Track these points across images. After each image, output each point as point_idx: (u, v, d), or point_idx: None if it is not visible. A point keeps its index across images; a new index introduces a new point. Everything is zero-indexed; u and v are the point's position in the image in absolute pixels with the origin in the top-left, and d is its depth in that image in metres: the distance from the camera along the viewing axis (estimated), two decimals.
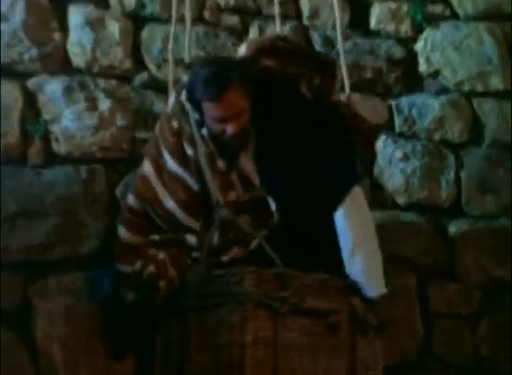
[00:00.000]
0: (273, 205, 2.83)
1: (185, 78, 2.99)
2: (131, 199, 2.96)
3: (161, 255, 2.83)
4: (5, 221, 3.07)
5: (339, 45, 3.23)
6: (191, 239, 2.86)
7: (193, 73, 2.89)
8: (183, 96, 2.93)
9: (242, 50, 3.07)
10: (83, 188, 3.23)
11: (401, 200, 3.71)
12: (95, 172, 3.27)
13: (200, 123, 2.88)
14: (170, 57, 3.21)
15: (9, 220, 3.08)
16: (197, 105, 2.85)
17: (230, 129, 2.81)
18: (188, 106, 2.89)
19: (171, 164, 2.90)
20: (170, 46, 3.20)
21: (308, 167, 2.87)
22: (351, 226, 2.83)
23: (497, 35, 3.95)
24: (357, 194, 2.90)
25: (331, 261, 2.81)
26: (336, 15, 3.31)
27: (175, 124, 2.92)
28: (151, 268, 2.80)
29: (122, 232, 2.94)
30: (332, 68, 3.06)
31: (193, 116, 2.89)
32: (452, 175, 3.79)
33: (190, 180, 2.87)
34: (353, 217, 2.84)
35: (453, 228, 3.76)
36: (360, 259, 2.81)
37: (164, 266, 2.80)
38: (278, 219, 2.82)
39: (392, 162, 3.72)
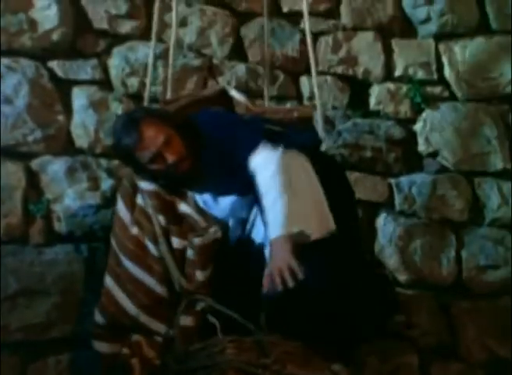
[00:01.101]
0: None
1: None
2: (97, 316, 2.89)
3: (136, 337, 2.82)
4: (6, 300, 3.09)
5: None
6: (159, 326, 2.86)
7: (113, 143, 2.92)
8: (125, 182, 3.00)
9: None
10: (84, 267, 3.25)
11: (402, 277, 3.71)
12: (96, 250, 3.30)
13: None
14: None
15: (10, 299, 3.10)
16: (139, 168, 2.88)
17: (169, 157, 2.79)
18: (138, 181, 2.95)
19: (133, 270, 2.88)
20: None
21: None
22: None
23: (495, 116, 4.01)
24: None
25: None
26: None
27: (133, 230, 2.92)
28: (125, 350, 2.80)
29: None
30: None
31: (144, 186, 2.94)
32: (453, 253, 3.79)
33: (153, 283, 2.86)
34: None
35: (454, 306, 3.75)
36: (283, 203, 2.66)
37: (138, 346, 2.80)
38: None
39: (393, 240, 3.73)
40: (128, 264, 2.88)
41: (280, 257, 2.57)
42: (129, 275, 2.87)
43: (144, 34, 3.63)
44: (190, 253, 2.86)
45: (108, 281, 2.90)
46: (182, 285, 2.82)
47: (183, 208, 2.97)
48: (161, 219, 2.90)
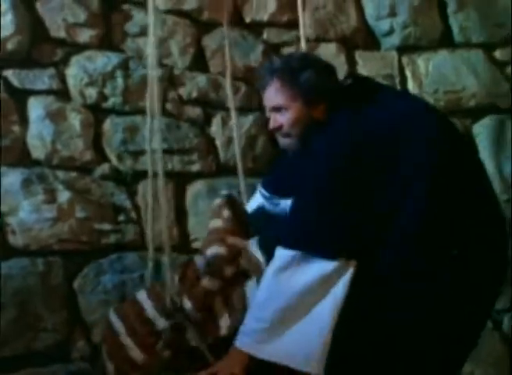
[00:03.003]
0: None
1: None
2: None
3: None
4: None
5: None
6: None
7: None
8: None
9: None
10: (40, 281, 3.17)
11: None
12: (52, 264, 3.21)
13: None
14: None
15: None
16: None
17: (269, 121, 2.70)
18: None
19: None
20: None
21: None
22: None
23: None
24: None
25: None
26: None
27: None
28: None
29: None
30: None
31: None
32: None
33: None
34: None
35: None
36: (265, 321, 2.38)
37: None
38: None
39: None
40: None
41: (229, 364, 2.40)
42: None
43: (102, 43, 3.57)
44: None
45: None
46: None
47: None
48: None
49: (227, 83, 3.38)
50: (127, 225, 3.40)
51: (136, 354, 2.60)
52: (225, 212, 2.83)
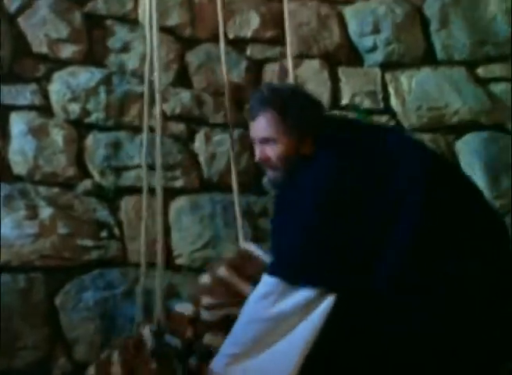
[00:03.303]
0: None
1: None
2: None
3: None
4: None
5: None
6: None
7: None
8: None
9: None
10: (21, 298, 3.13)
11: None
12: (34, 281, 3.18)
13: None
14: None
15: None
16: None
17: (256, 151, 2.70)
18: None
19: None
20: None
21: None
22: None
23: (441, 146, 3.99)
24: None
25: None
26: None
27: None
28: None
29: None
30: None
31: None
32: None
33: None
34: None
35: None
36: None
37: None
38: None
39: None
40: None
41: None
42: None
43: (85, 59, 3.56)
44: None
45: None
46: None
47: None
48: None
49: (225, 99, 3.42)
50: (110, 241, 3.37)
51: None
52: (221, 271, 2.89)
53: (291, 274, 2.44)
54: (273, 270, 2.48)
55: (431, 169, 2.52)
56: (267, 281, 2.47)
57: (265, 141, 2.67)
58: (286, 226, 2.54)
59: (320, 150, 2.60)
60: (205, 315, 2.78)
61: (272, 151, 2.65)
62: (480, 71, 4.19)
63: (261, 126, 2.67)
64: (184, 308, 2.85)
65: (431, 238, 2.40)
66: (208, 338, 2.73)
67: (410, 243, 2.39)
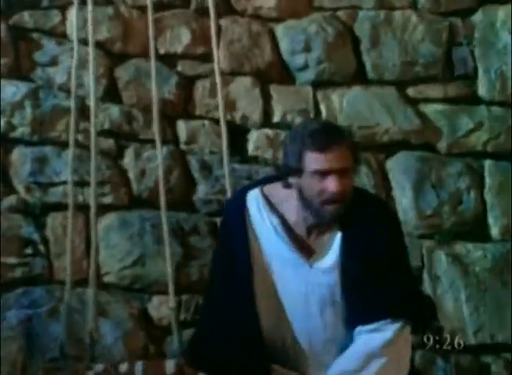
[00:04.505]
0: None
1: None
2: None
3: None
4: None
5: None
6: None
7: (295, 130, 2.60)
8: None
9: None
10: None
11: None
12: None
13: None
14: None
15: None
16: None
17: (332, 184, 2.46)
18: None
19: None
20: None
21: None
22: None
23: (372, 165, 4.01)
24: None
25: None
26: None
27: None
28: None
29: None
30: None
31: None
32: None
33: None
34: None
35: None
36: None
37: None
38: None
39: None
40: None
41: None
42: None
43: (11, 72, 3.51)
44: None
45: None
46: None
47: None
48: None
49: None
50: (35, 258, 3.30)
51: None
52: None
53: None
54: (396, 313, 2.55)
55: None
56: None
57: (343, 172, 2.50)
58: (395, 270, 2.59)
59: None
60: None
61: (348, 183, 2.52)
62: (410, 91, 4.22)
63: (341, 156, 2.49)
64: None
65: None
66: None
67: None
